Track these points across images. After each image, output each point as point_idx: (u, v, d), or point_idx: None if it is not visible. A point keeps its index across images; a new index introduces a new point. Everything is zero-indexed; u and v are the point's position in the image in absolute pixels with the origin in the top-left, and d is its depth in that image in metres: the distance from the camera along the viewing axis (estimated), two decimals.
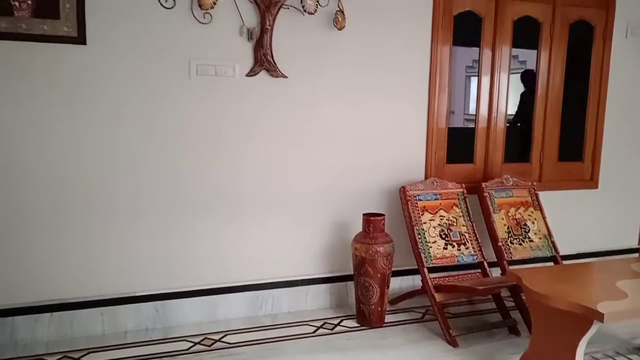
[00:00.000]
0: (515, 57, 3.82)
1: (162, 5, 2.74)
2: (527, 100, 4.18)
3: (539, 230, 3.46)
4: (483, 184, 3.46)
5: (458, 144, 3.70)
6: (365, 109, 3.26)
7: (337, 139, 3.22)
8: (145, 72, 2.78)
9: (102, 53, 2.69)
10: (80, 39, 2.64)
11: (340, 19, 3.02)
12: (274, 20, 2.92)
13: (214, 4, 2.78)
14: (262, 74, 2.99)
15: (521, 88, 4.39)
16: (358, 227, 3.14)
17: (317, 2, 2.95)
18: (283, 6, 2.92)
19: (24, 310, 2.72)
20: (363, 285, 3.04)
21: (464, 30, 3.54)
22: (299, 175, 3.16)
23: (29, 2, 2.53)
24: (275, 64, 2.98)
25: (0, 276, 2.68)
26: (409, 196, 3.21)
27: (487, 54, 3.56)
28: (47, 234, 2.73)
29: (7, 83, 2.57)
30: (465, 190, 3.38)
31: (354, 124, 3.25)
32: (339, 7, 3.04)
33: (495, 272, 3.32)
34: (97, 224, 2.80)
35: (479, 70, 3.59)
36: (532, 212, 3.51)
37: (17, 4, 2.52)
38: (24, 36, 2.55)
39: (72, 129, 2.70)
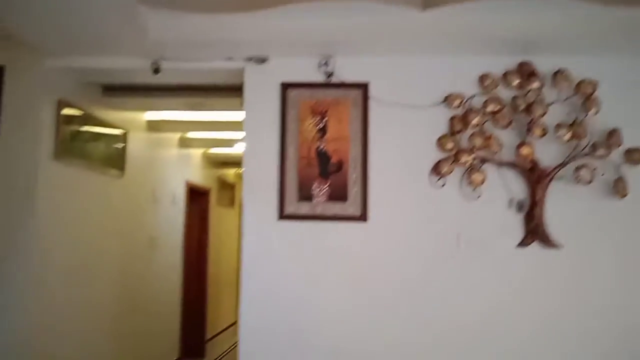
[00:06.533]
0: None
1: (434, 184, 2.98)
2: None
3: None
4: None
5: None
6: None
7: (616, 317, 2.84)
8: (416, 245, 2.96)
9: (380, 228, 2.98)
10: (363, 217, 3.00)
11: (621, 188, 2.81)
12: (544, 191, 2.87)
13: (483, 181, 2.89)
14: (534, 245, 2.89)
15: None
16: None
17: (593, 172, 2.82)
18: (555, 178, 2.87)
19: None
20: None
21: None
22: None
23: (326, 189, 3.03)
24: (547, 234, 2.87)
25: None
26: None
27: None
28: None
29: (302, 254, 3.03)
30: None
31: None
32: (619, 175, 2.84)
33: None
34: None
35: None
36: None
37: (316, 191, 3.04)
38: (319, 217, 3.02)
39: (342, 305, 2.96)
